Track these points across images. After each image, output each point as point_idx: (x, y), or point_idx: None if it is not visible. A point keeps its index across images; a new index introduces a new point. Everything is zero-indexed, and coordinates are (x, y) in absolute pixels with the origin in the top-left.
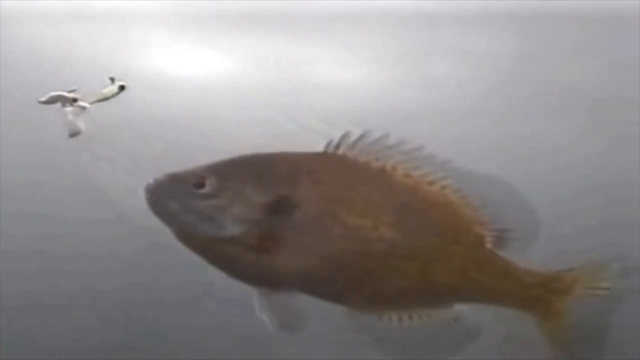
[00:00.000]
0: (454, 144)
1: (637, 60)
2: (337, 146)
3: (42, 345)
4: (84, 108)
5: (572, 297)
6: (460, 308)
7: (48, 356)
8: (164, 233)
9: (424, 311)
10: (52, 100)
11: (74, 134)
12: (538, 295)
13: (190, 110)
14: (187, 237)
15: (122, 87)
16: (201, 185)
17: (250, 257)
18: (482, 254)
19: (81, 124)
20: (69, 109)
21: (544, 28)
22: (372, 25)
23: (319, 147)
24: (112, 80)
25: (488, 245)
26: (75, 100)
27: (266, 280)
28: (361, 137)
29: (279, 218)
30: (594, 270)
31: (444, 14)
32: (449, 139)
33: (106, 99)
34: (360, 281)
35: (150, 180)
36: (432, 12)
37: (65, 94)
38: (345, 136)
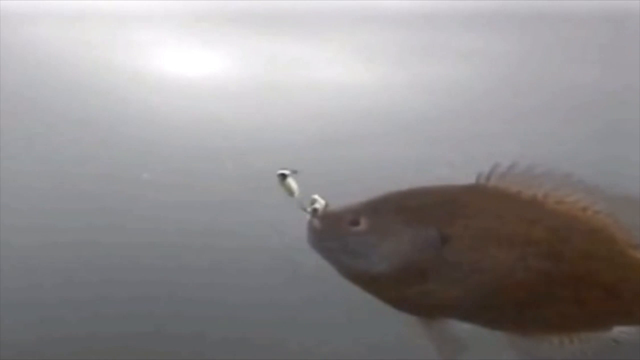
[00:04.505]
0: (453, 144)
1: (637, 60)
2: (488, 177)
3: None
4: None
5: None
6: (620, 329)
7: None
8: None
9: (584, 334)
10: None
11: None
12: None
13: (190, 110)
14: (346, 273)
15: (283, 176)
16: (356, 222)
17: (402, 290)
18: (639, 277)
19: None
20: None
21: (544, 28)
22: (372, 26)
23: None
24: (282, 176)
25: None
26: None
27: (421, 310)
28: (511, 167)
29: (429, 253)
30: None
31: (444, 14)
32: (448, 139)
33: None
34: (513, 310)
35: (311, 220)
36: (432, 12)
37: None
38: (495, 167)
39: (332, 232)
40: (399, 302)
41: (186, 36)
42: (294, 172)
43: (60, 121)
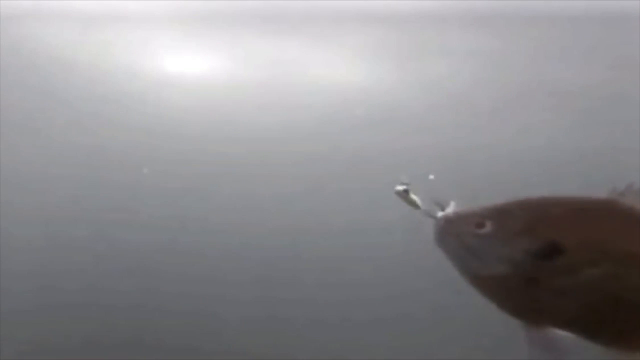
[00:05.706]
0: (453, 144)
1: (637, 60)
2: (622, 193)
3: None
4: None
5: None
6: None
7: None
8: None
9: None
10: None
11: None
12: None
13: (190, 109)
14: (465, 273)
15: (405, 191)
16: (482, 225)
17: (514, 294)
18: None
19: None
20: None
21: (544, 28)
22: (372, 26)
23: None
24: (404, 192)
25: None
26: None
27: (528, 316)
28: None
29: (542, 262)
30: None
31: (444, 14)
32: (448, 139)
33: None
34: (609, 326)
35: (439, 219)
36: (432, 12)
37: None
38: (630, 185)
39: (458, 232)
40: (509, 306)
41: (186, 36)
42: (408, 184)
43: (60, 121)
